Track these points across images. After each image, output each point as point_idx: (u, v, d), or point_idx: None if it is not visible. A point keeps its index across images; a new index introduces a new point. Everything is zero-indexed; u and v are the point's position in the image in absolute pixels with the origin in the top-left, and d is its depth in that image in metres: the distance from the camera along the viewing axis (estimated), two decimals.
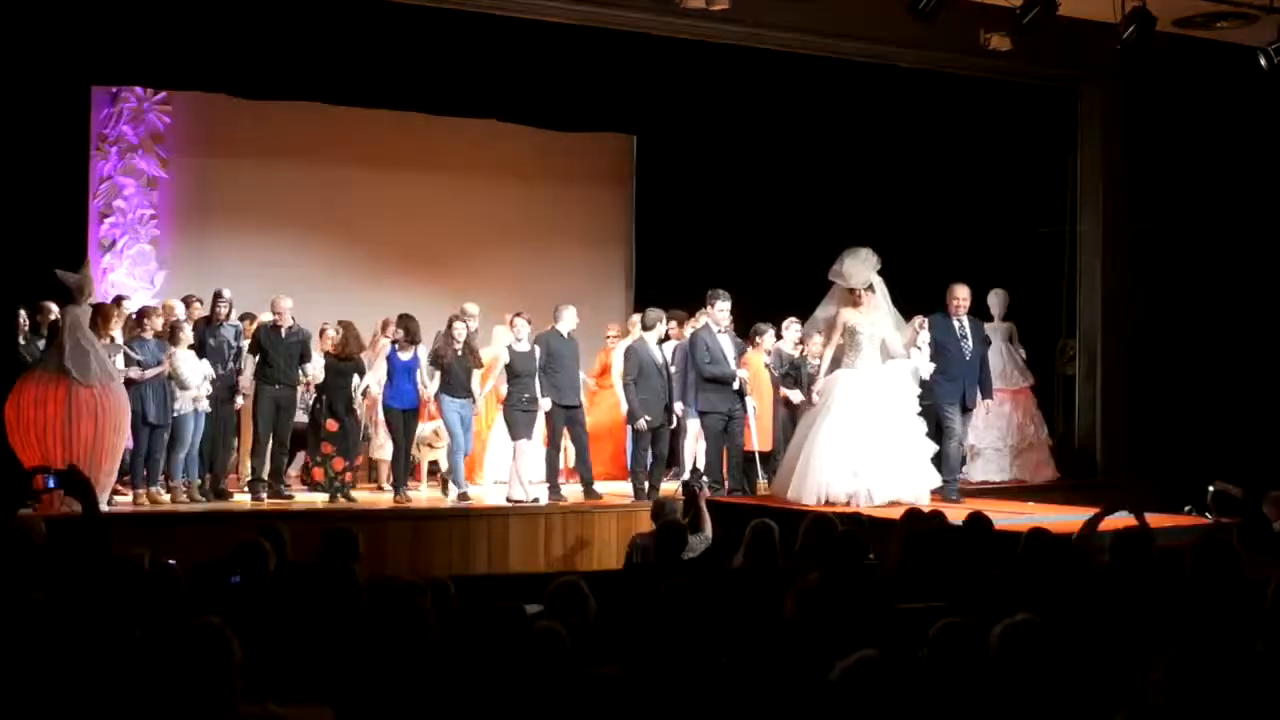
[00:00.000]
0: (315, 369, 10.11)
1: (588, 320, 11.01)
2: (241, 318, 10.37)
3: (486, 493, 10.72)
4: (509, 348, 10.28)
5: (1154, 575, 5.37)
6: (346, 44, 10.52)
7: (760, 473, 10.55)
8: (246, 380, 10.00)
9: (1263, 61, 10.67)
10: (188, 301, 10.70)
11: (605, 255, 14.25)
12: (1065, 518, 7.87)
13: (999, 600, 4.62)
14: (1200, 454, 11.12)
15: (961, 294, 9.88)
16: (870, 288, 9.45)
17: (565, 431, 10.47)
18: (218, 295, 10.02)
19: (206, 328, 9.92)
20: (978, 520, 6.64)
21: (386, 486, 10.71)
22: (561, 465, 10.62)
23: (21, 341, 9.38)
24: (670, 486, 10.55)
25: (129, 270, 12.12)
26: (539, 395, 10.14)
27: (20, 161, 9.47)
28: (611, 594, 5.09)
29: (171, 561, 5.07)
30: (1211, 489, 8.73)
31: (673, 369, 10.51)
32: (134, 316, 9.92)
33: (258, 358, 9.95)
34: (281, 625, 4.49)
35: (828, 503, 8.98)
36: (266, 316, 10.26)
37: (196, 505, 9.62)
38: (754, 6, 10.37)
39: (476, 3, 10.21)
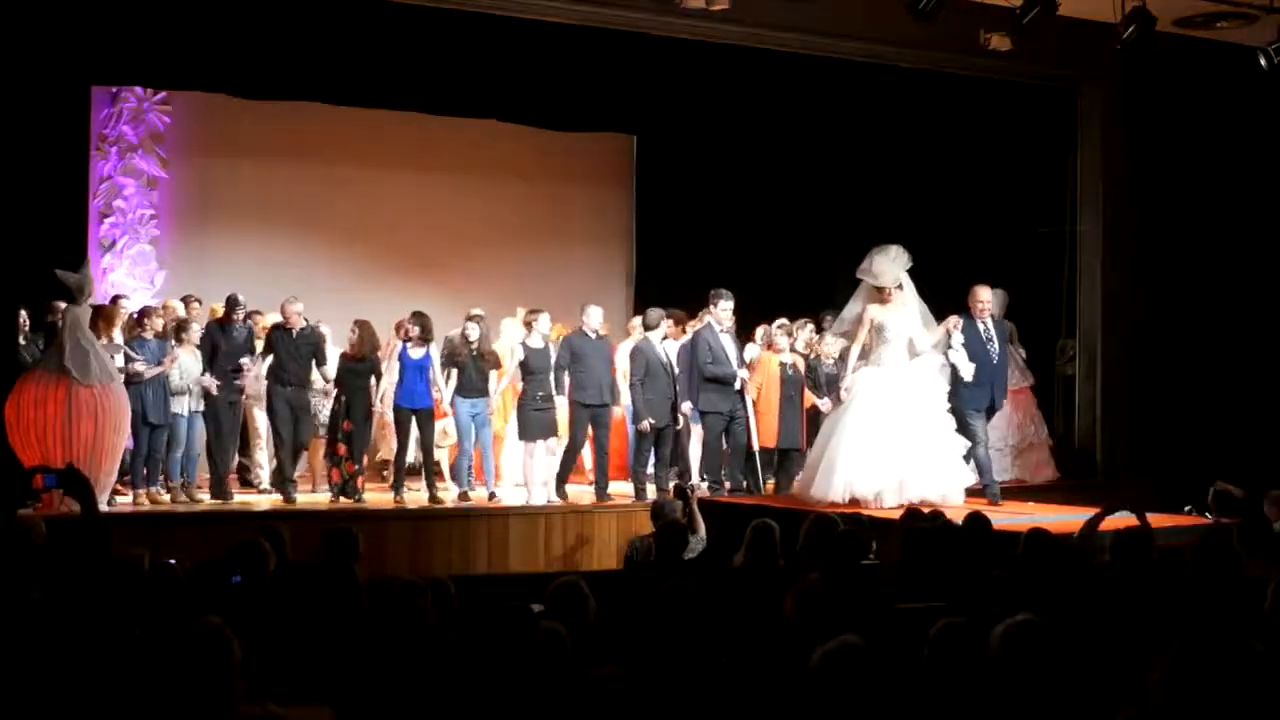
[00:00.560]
0: (328, 370, 10.04)
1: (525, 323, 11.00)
2: (246, 316, 10.30)
3: (505, 495, 10.56)
4: (524, 344, 10.25)
5: (1154, 575, 5.37)
6: (346, 44, 10.52)
7: (763, 471, 10.56)
8: (251, 380, 9.94)
9: (1263, 61, 10.67)
10: (187, 301, 10.70)
11: (605, 255, 14.24)
12: (1065, 518, 7.88)
13: (999, 600, 4.62)
14: (1200, 454, 11.12)
15: (984, 296, 9.72)
16: (899, 285, 9.35)
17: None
18: (233, 299, 9.93)
19: (220, 329, 9.87)
20: (977, 520, 6.65)
21: (414, 487, 10.72)
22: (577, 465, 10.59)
23: (22, 341, 9.38)
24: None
25: (129, 270, 12.12)
26: (554, 394, 10.11)
27: (20, 161, 9.47)
28: (611, 594, 5.09)
29: (171, 561, 5.07)
30: (1212, 489, 8.71)
31: (677, 369, 10.51)
32: (134, 316, 9.93)
33: (268, 359, 9.90)
34: (281, 625, 4.49)
35: (853, 501, 8.87)
36: (274, 316, 10.23)
37: (196, 505, 9.63)
38: (754, 6, 10.37)
39: (476, 3, 10.21)
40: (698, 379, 10.37)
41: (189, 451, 9.88)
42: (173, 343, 9.74)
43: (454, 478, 10.60)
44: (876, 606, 4.83)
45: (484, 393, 10.21)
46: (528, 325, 10.39)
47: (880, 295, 9.34)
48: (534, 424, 10.13)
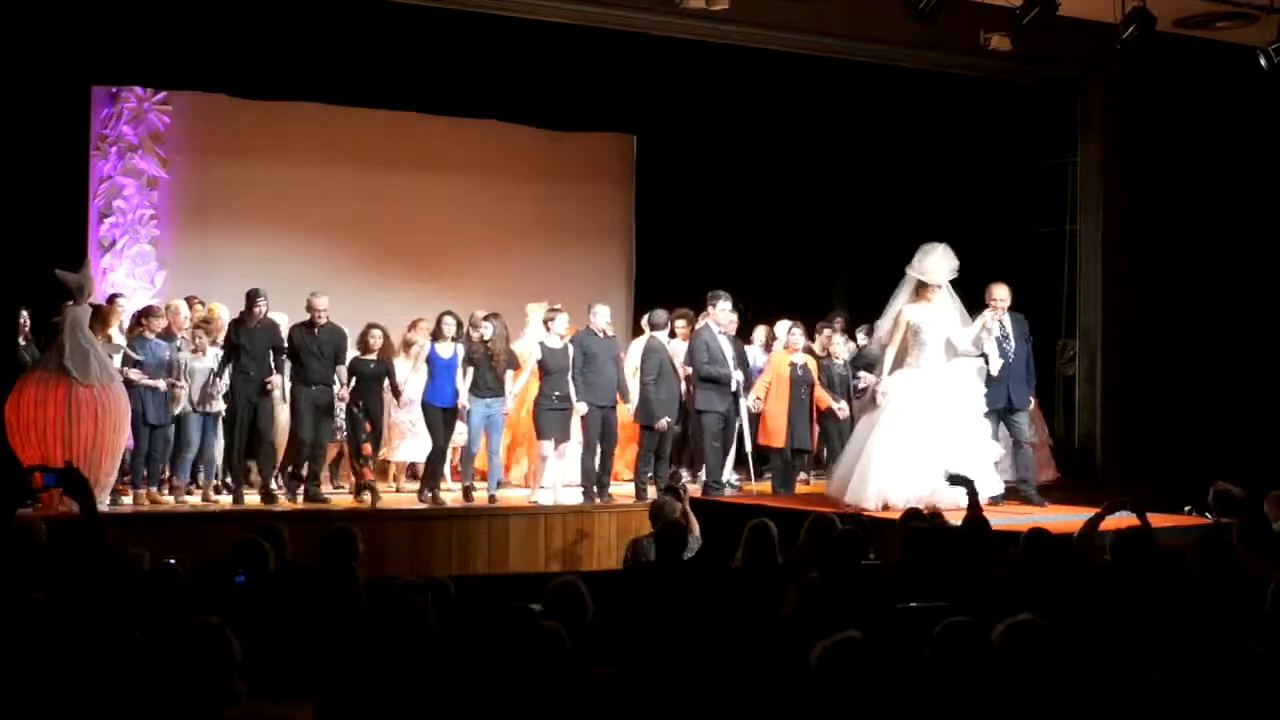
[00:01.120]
0: (342, 371, 9.86)
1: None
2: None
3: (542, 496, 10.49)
4: (541, 344, 10.24)
5: (1154, 575, 5.38)
6: (347, 44, 10.52)
7: (755, 470, 10.58)
8: (277, 381, 9.69)
9: (1263, 61, 10.68)
10: (190, 302, 10.68)
11: (605, 255, 14.24)
12: (1065, 518, 7.88)
13: (998, 600, 4.62)
14: (1200, 454, 11.12)
15: (1000, 294, 9.45)
16: (940, 285, 9.23)
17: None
18: (254, 294, 9.65)
19: (240, 329, 9.63)
20: (977, 520, 6.65)
21: (406, 487, 10.74)
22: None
23: (22, 342, 9.37)
24: None
25: (129, 270, 12.11)
26: (572, 395, 10.10)
27: (20, 161, 9.47)
28: (611, 594, 5.09)
29: (171, 561, 5.06)
30: (1213, 489, 8.69)
31: (686, 370, 10.54)
32: (134, 316, 9.91)
33: (287, 360, 9.69)
34: (281, 625, 4.49)
35: (887, 507, 8.73)
36: (279, 315, 10.12)
37: (197, 505, 9.61)
38: (754, 6, 10.37)
39: (476, 3, 10.20)
40: (695, 378, 10.38)
41: (203, 454, 9.79)
42: (182, 348, 9.65)
43: (459, 476, 10.59)
44: (875, 606, 4.83)
45: (498, 393, 10.15)
46: (546, 324, 10.37)
47: (920, 295, 9.20)
48: (550, 424, 10.12)
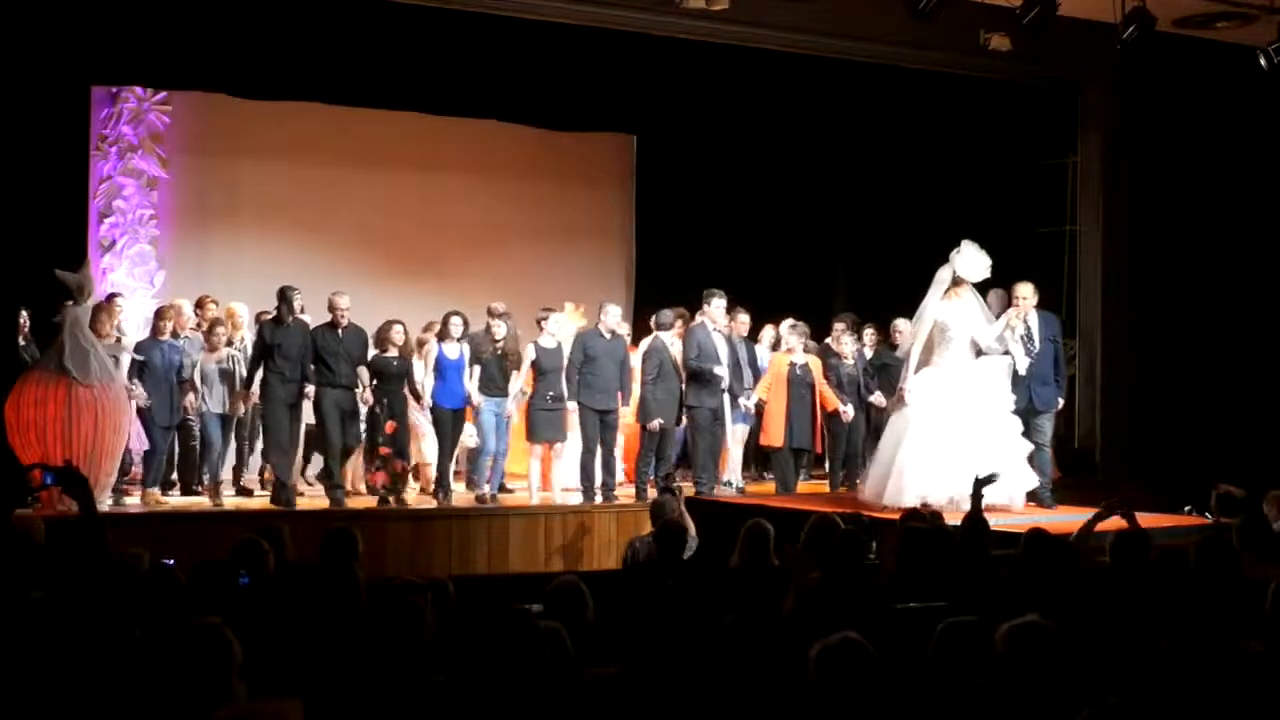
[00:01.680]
0: (364, 372, 9.73)
1: (588, 320, 11.04)
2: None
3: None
4: (536, 344, 10.21)
5: (1153, 575, 5.38)
6: (347, 44, 10.51)
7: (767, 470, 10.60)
8: (311, 391, 9.52)
9: (1263, 61, 10.69)
10: (203, 302, 10.66)
11: (605, 255, 14.24)
12: (1065, 518, 7.88)
13: (998, 600, 4.62)
14: (1200, 454, 11.12)
15: (1024, 292, 9.36)
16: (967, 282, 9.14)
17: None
18: (285, 293, 9.52)
19: (274, 328, 9.46)
20: (976, 520, 6.65)
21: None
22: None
23: (21, 342, 9.36)
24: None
25: (129, 270, 12.11)
26: (565, 395, 10.07)
27: (20, 161, 9.47)
28: (611, 594, 5.09)
29: (170, 561, 5.06)
30: (1214, 492, 8.67)
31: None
32: (147, 319, 9.90)
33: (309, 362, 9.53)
34: (281, 625, 4.49)
35: (925, 508, 8.51)
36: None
37: (199, 505, 9.61)
38: (754, 6, 10.38)
39: (477, 3, 10.21)
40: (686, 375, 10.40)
41: (228, 453, 9.80)
42: (187, 349, 9.62)
43: (470, 478, 10.56)
44: (875, 606, 4.83)
45: (505, 392, 10.14)
46: (539, 324, 10.35)
47: (950, 292, 9.11)
48: (543, 425, 10.11)
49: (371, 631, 4.26)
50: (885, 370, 11.09)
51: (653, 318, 11.12)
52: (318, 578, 4.96)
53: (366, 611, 4.53)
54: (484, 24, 10.44)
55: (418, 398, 9.99)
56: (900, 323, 11.08)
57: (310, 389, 9.47)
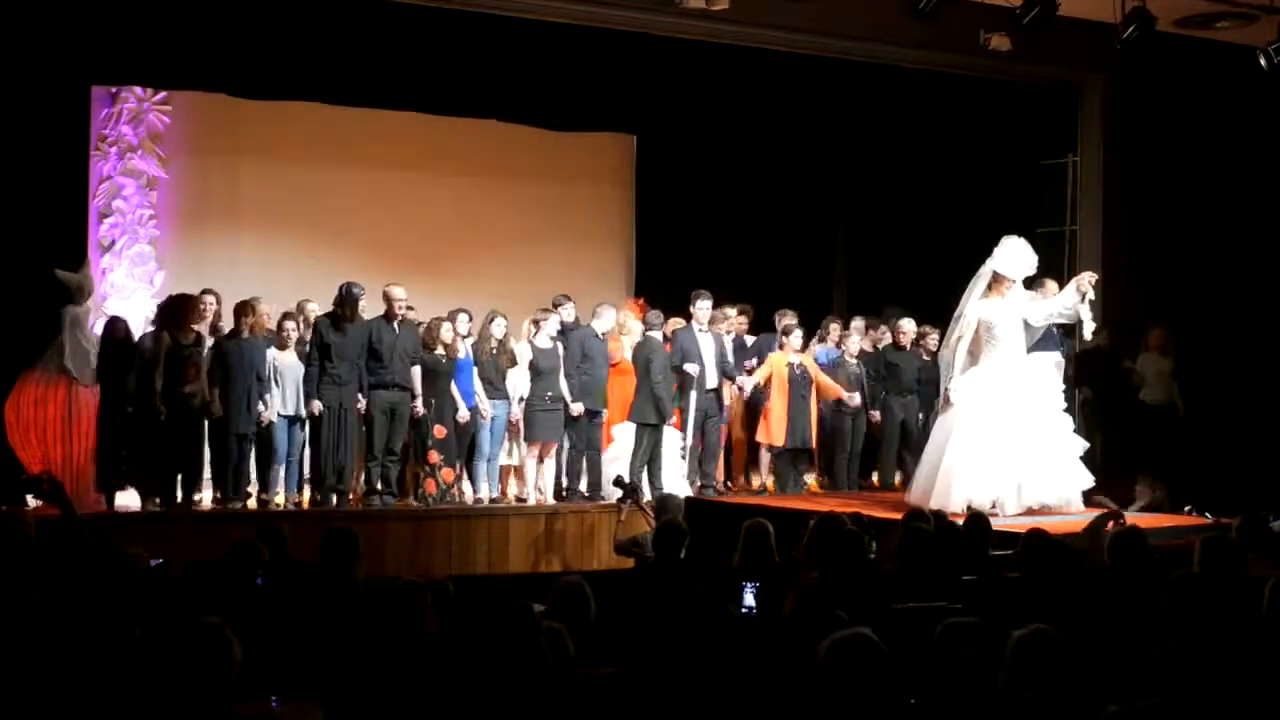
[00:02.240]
0: (417, 373, 9.53)
1: (588, 320, 11.03)
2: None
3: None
4: (531, 344, 10.20)
5: (1153, 575, 5.37)
6: (347, 44, 10.52)
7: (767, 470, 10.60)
8: (362, 402, 9.34)
9: (1263, 61, 10.68)
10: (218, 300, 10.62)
11: (605, 255, 14.22)
12: (1065, 518, 7.88)
13: (998, 600, 4.62)
14: (1200, 454, 11.11)
15: (1055, 289, 9.25)
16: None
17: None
18: (348, 291, 9.29)
19: (332, 328, 9.24)
20: (977, 520, 6.66)
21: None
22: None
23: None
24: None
25: (128, 270, 12.09)
26: (566, 395, 10.07)
27: (20, 161, 9.48)
28: (612, 594, 5.09)
29: (159, 560, 5.06)
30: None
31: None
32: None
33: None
34: (281, 625, 4.49)
35: (971, 509, 8.41)
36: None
37: (199, 506, 9.61)
38: (754, 6, 10.37)
39: (477, 3, 10.22)
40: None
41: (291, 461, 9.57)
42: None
43: (471, 479, 10.55)
44: (875, 605, 4.83)
45: (505, 394, 10.13)
46: (536, 324, 10.34)
47: (993, 290, 8.85)
48: (541, 426, 10.10)
49: (371, 631, 4.26)
50: (893, 370, 11.10)
51: (643, 317, 11.15)
52: (318, 578, 4.97)
53: (366, 611, 4.53)
54: (484, 24, 10.44)
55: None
56: (905, 323, 11.09)
57: (362, 401, 9.23)
